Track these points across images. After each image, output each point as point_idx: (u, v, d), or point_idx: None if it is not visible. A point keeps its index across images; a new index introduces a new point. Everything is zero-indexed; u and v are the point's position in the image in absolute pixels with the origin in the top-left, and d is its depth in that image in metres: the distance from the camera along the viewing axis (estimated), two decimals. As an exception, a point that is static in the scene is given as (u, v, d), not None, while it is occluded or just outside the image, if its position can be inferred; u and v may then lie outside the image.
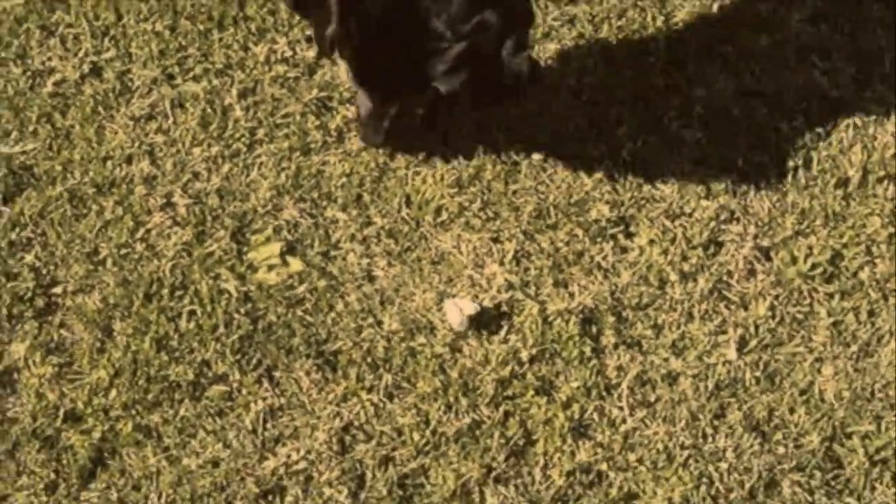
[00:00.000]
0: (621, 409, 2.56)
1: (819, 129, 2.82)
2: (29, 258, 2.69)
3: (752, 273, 2.69)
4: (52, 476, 2.50)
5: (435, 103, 2.63)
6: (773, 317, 2.65)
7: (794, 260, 2.69)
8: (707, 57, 2.90)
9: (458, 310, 2.61)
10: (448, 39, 2.45)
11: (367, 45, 2.49)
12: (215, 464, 2.51)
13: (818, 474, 2.52)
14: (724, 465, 2.52)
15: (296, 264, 2.68)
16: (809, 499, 2.50)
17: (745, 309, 2.65)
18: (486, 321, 2.62)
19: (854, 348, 2.62)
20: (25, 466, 2.51)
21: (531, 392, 2.57)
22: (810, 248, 2.71)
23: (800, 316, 2.65)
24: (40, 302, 2.65)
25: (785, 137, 2.81)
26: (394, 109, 2.62)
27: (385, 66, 2.52)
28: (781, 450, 2.54)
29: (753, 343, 2.62)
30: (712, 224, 2.73)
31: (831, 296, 2.67)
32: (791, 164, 2.78)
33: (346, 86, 2.83)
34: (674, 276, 2.68)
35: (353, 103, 2.79)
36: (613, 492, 2.49)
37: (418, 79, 2.50)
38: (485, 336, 2.62)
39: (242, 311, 2.63)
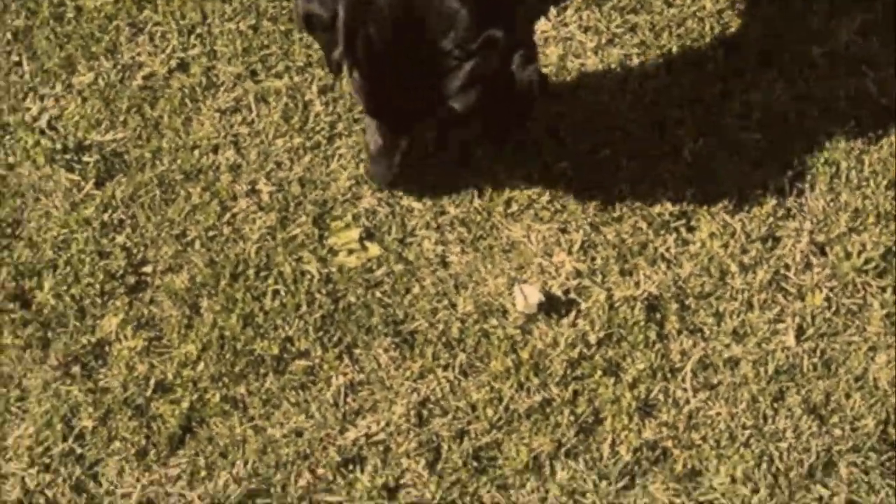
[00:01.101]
0: (685, 390, 2.68)
1: (870, 134, 2.96)
2: (120, 239, 2.82)
3: (808, 266, 2.81)
4: (143, 443, 2.61)
5: (445, 129, 2.69)
6: (829, 307, 2.77)
7: (848, 255, 2.82)
8: (763, 65, 3.04)
9: (525, 295, 2.74)
10: (458, 57, 2.50)
11: (377, 71, 2.53)
12: (299, 433, 2.63)
13: (873, 456, 2.63)
14: (783, 445, 2.63)
15: (374, 249, 2.81)
16: (865, 478, 2.61)
17: (802, 300, 2.78)
18: (555, 306, 2.75)
19: (906, 338, 2.75)
20: (117, 433, 2.62)
21: (599, 373, 2.69)
22: (863, 244, 2.83)
23: (854, 307, 2.78)
24: (131, 280, 2.77)
25: (838, 141, 2.95)
26: (405, 142, 2.67)
27: (396, 92, 2.56)
28: (838, 432, 2.65)
29: (811, 332, 2.74)
30: (770, 220, 2.85)
31: (884, 289, 2.79)
32: (844, 165, 2.92)
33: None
34: (734, 268, 2.80)
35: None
36: (678, 468, 2.61)
37: (431, 100, 2.54)
38: (554, 320, 2.74)
39: (324, 291, 2.76)
